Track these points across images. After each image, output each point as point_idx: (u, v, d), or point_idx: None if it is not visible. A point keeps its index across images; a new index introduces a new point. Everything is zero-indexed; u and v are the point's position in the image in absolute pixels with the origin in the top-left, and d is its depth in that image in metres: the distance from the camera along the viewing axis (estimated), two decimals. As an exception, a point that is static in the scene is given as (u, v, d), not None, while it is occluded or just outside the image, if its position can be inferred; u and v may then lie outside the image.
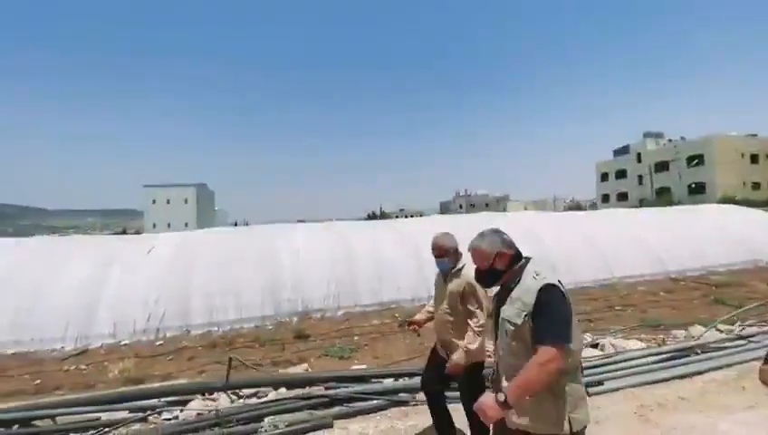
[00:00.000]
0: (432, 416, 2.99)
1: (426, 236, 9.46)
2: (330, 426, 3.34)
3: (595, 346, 5.25)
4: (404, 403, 3.76)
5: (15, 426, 3.12)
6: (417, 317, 3.06)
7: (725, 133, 40.88)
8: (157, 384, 4.65)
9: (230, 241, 8.92)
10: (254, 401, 3.71)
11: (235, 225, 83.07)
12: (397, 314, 7.71)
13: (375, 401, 3.71)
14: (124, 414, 3.28)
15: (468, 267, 2.54)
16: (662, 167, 43.40)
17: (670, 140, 48.14)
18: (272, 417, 3.30)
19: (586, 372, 4.34)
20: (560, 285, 1.79)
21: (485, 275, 2.00)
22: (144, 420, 3.34)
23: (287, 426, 3.20)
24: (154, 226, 74.74)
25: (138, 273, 7.78)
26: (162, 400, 3.53)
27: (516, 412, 1.75)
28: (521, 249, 2.04)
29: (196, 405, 3.59)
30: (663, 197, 38.66)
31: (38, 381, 5.40)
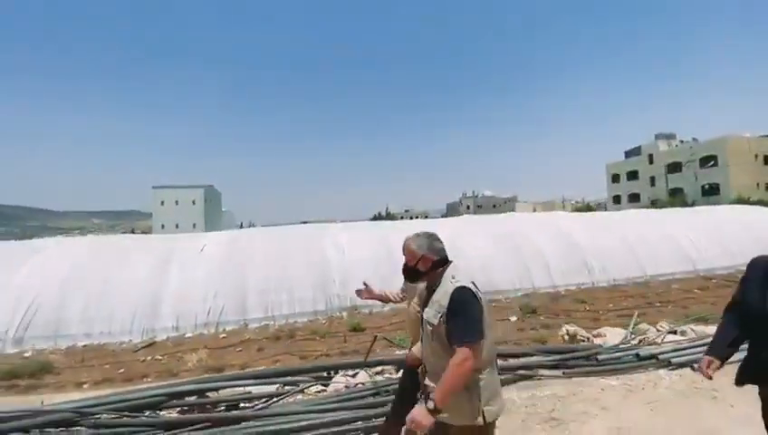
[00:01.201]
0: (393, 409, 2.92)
1: (459, 237, 9.63)
2: None
3: (674, 332, 5.65)
4: (529, 377, 4.26)
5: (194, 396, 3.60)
6: (377, 291, 3.03)
7: (739, 134, 40.79)
8: (307, 364, 5.01)
9: (278, 240, 9.24)
10: (385, 377, 4.11)
11: (241, 226, 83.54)
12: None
13: (503, 376, 4.12)
14: (271, 389, 3.75)
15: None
16: (674, 168, 43.34)
17: (682, 142, 48.05)
18: None
19: (681, 352, 4.69)
20: (473, 287, 1.89)
21: (408, 272, 2.15)
22: (301, 391, 3.82)
23: None
24: (162, 226, 75.12)
25: (194, 270, 8.11)
26: (310, 375, 4.02)
27: None
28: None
29: (340, 379, 4.06)
30: (676, 198, 38.63)
31: (122, 370, 5.73)
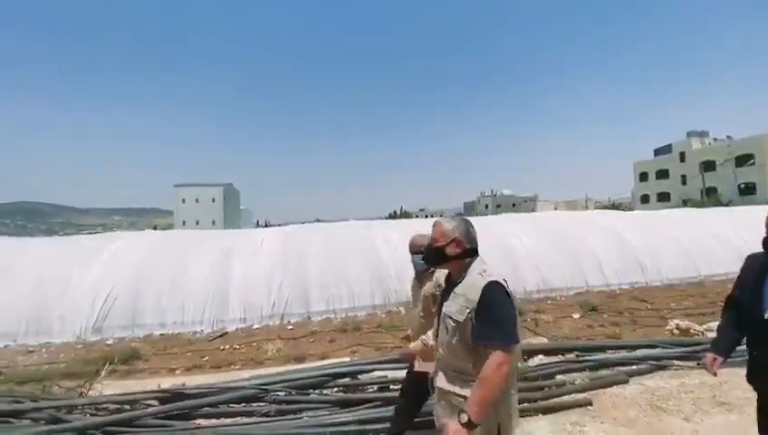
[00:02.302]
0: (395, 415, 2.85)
1: (510, 234, 9.64)
2: (625, 382, 3.93)
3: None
4: (664, 368, 4.34)
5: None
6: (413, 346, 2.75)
7: (777, 132, 39.23)
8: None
9: (330, 236, 9.42)
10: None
11: (257, 224, 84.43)
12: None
13: (635, 366, 4.26)
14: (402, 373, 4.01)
15: (441, 271, 2.42)
16: (708, 166, 42.05)
17: (716, 139, 46.55)
18: (564, 375, 3.92)
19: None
20: (505, 284, 1.71)
21: (432, 252, 1.91)
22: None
23: (591, 381, 3.78)
24: (183, 223, 76.62)
25: (256, 263, 8.35)
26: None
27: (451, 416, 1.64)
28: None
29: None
30: (711, 197, 37.47)
31: (206, 358, 5.98)
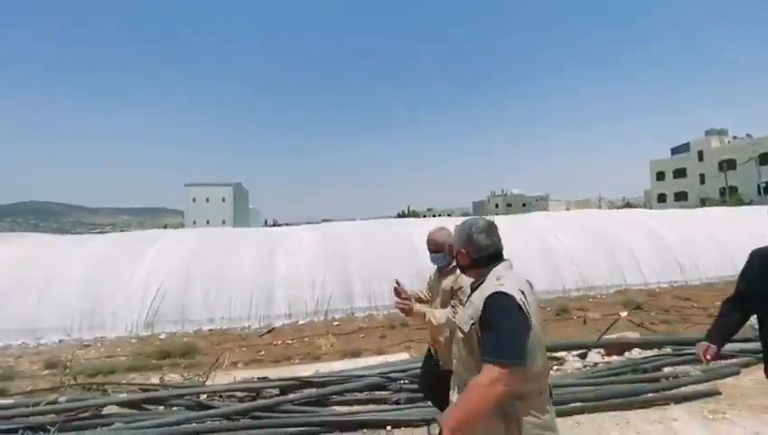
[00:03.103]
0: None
1: (548, 233, 9.63)
2: (737, 373, 3.96)
3: None
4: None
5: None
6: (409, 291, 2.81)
7: (799, 130, 38.48)
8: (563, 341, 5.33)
9: (371, 233, 9.48)
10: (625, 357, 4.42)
11: (265, 223, 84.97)
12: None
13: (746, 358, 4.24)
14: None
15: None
16: (728, 165, 41.38)
17: (735, 138, 45.80)
18: (672, 367, 3.96)
19: None
20: (518, 294, 1.48)
21: (458, 263, 1.80)
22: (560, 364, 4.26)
23: (703, 372, 3.80)
24: (194, 223, 77.18)
25: (298, 260, 8.44)
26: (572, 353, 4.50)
27: None
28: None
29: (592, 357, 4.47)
30: (732, 196, 36.87)
31: (262, 353, 6.07)
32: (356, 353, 5.77)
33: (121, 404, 3.15)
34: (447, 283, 2.54)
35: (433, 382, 2.57)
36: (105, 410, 3.20)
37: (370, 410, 3.17)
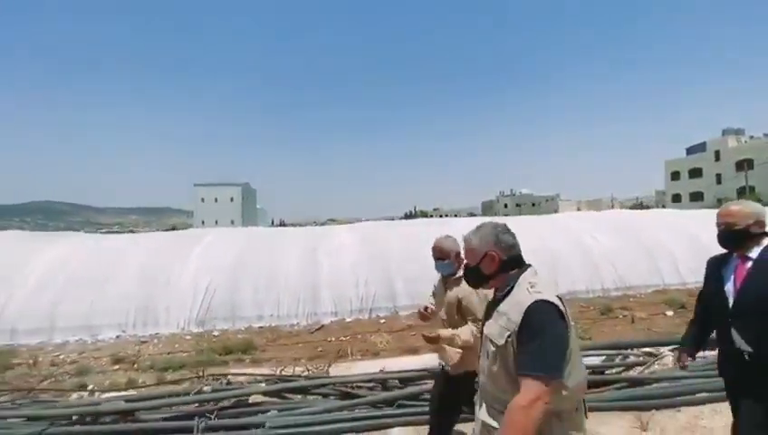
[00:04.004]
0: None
1: (583, 232, 9.62)
2: None
3: None
4: None
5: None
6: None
7: (819, 129, 37.96)
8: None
9: (409, 234, 9.59)
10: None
11: (272, 223, 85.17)
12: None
13: None
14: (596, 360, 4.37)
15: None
16: (744, 165, 40.90)
17: (752, 137, 45.25)
18: None
19: None
20: (559, 302, 1.42)
21: (470, 274, 1.67)
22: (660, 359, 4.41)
23: None
24: (203, 223, 77.60)
25: (341, 259, 8.58)
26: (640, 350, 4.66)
27: None
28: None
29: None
30: (751, 196, 36.46)
31: (320, 349, 6.20)
32: (413, 350, 5.87)
33: (265, 393, 3.30)
34: (453, 295, 2.45)
35: (443, 403, 2.54)
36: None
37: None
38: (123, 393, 4.23)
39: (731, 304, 2.01)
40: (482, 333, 1.64)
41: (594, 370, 3.98)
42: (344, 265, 8.44)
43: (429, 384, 3.55)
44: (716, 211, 2.35)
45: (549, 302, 1.39)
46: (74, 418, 3.12)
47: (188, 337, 7.04)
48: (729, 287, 2.04)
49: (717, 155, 44.48)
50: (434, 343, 2.39)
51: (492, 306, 1.60)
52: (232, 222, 77.31)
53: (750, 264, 2.00)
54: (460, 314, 2.41)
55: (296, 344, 6.46)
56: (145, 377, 5.09)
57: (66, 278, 7.68)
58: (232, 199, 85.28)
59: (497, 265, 1.55)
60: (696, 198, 45.96)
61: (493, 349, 1.47)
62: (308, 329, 7.27)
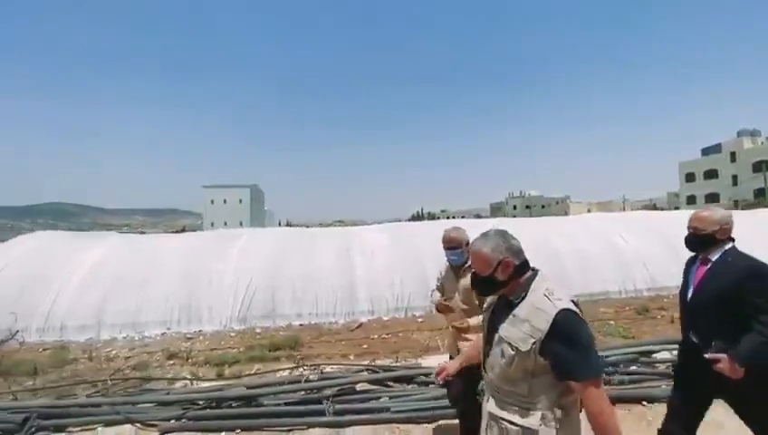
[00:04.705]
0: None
1: (614, 234, 9.61)
2: None
3: None
4: None
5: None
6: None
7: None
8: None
9: (440, 233, 9.68)
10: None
11: (279, 224, 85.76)
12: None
13: None
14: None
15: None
16: (759, 166, 40.42)
17: (768, 138, 44.74)
18: None
19: None
20: (576, 307, 1.53)
21: (482, 284, 1.68)
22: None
23: None
24: (212, 224, 78.11)
25: (374, 259, 8.71)
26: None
27: None
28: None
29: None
30: (767, 198, 36.03)
31: (365, 346, 6.33)
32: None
33: (369, 381, 3.47)
34: (467, 282, 2.44)
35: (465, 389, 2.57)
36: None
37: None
38: (215, 383, 4.44)
39: (688, 301, 2.29)
40: (490, 329, 1.68)
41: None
42: (378, 264, 8.57)
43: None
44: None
45: (573, 311, 1.49)
46: (201, 403, 3.34)
47: (232, 334, 7.20)
48: (690, 286, 2.31)
49: (733, 156, 44.01)
50: (466, 332, 2.47)
51: (502, 306, 1.66)
52: (240, 223, 77.81)
53: (708, 266, 2.24)
54: (480, 298, 2.44)
55: (340, 342, 6.59)
56: (204, 371, 5.26)
57: (110, 277, 7.90)
58: (240, 201, 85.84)
59: (511, 270, 1.60)
60: (712, 199, 45.47)
61: (511, 352, 1.52)
62: (347, 327, 7.40)
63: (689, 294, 2.29)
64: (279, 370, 5.08)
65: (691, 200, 48.58)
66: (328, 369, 4.72)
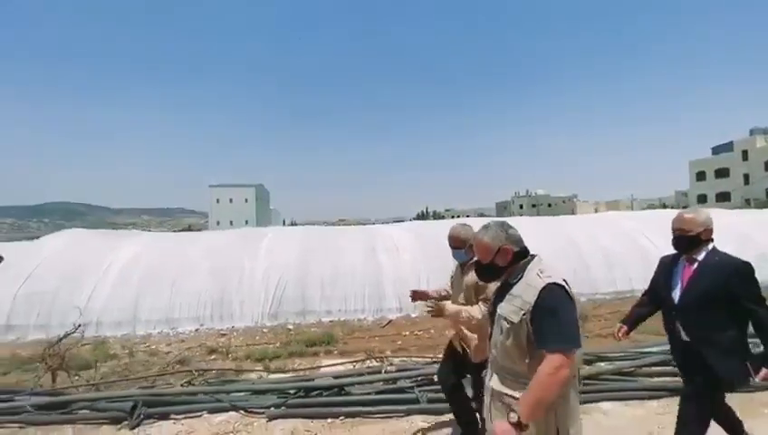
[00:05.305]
0: (451, 407, 2.95)
1: (640, 233, 9.61)
2: None
3: None
4: None
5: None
6: (430, 291, 3.16)
7: None
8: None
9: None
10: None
11: (284, 224, 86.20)
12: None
13: None
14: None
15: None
16: (773, 165, 40.07)
17: (781, 136, 44.23)
18: None
19: None
20: (566, 284, 1.64)
21: (484, 270, 1.86)
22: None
23: None
24: (218, 223, 78.45)
25: (399, 257, 8.79)
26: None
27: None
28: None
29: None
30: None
31: (399, 342, 6.43)
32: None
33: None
34: (471, 278, 2.58)
35: (456, 381, 2.83)
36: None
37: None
38: (284, 376, 4.60)
39: (677, 300, 2.35)
40: (493, 312, 1.82)
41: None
42: (404, 262, 8.66)
43: (618, 365, 4.02)
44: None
45: (559, 284, 1.61)
46: (292, 392, 3.50)
47: (265, 330, 7.32)
48: (677, 286, 2.38)
49: (745, 155, 43.61)
50: (439, 315, 2.59)
51: (503, 290, 1.80)
52: (246, 222, 78.06)
53: (695, 265, 2.33)
54: (477, 296, 2.56)
55: (373, 338, 6.69)
56: (247, 366, 5.37)
57: (143, 274, 8.04)
58: (246, 200, 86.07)
59: (511, 257, 1.76)
60: (723, 198, 45.09)
61: (507, 326, 1.67)
62: (377, 324, 7.50)
63: (677, 294, 2.37)
64: (335, 364, 5.21)
65: (702, 199, 48.18)
66: (396, 361, 4.89)
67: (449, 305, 2.61)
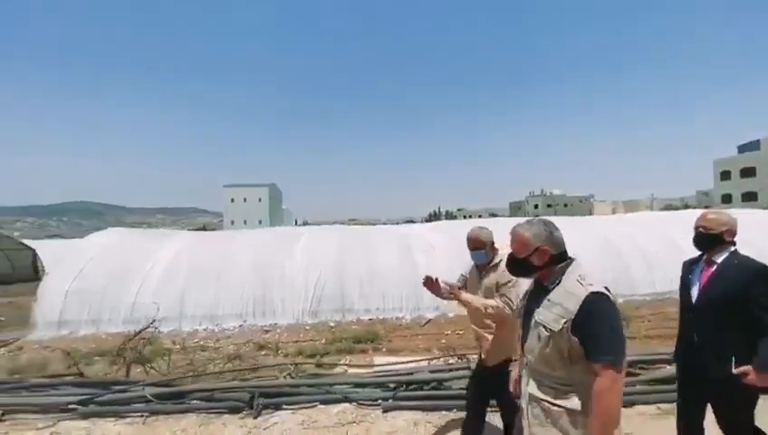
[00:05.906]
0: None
1: (673, 233, 9.44)
2: None
3: None
4: None
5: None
6: (450, 282, 2.99)
7: None
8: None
9: (499, 231, 9.79)
10: None
11: (296, 223, 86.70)
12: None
13: None
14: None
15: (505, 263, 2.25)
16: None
17: (812, 134, 42.83)
18: None
19: None
20: (608, 292, 1.57)
21: (517, 265, 1.79)
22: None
23: None
24: (232, 223, 79.52)
25: (434, 256, 8.87)
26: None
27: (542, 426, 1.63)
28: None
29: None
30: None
31: (443, 341, 6.50)
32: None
33: None
34: (491, 280, 2.64)
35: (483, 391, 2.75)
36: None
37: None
38: (368, 370, 4.82)
39: (693, 301, 2.35)
40: (526, 314, 1.79)
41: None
42: (439, 262, 8.71)
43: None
44: None
45: (604, 294, 1.55)
46: (392, 385, 3.66)
47: (307, 327, 7.48)
48: (694, 286, 2.38)
49: (773, 153, 42.39)
50: (456, 298, 2.69)
51: (538, 293, 1.75)
52: (260, 222, 78.89)
53: (714, 267, 2.31)
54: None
55: (416, 336, 6.79)
56: (300, 361, 5.50)
57: (186, 272, 8.29)
58: (260, 200, 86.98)
59: (548, 258, 1.69)
60: (750, 198, 43.88)
61: (546, 334, 1.60)
62: (416, 322, 7.59)
63: (694, 295, 2.36)
64: (409, 361, 5.30)
65: (726, 199, 46.95)
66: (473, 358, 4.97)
67: (465, 293, 2.70)
